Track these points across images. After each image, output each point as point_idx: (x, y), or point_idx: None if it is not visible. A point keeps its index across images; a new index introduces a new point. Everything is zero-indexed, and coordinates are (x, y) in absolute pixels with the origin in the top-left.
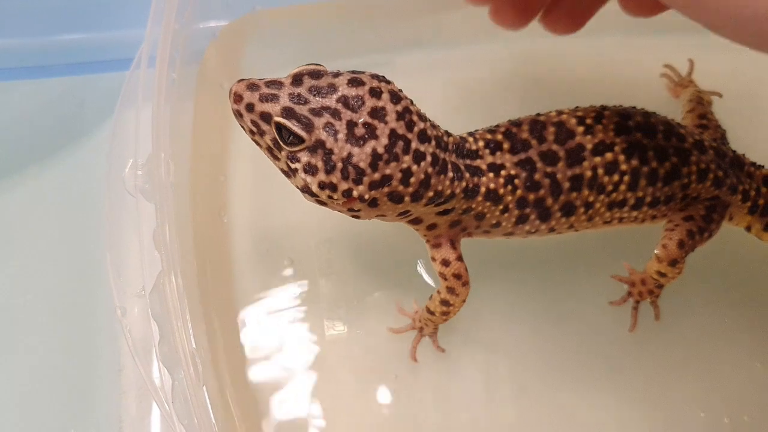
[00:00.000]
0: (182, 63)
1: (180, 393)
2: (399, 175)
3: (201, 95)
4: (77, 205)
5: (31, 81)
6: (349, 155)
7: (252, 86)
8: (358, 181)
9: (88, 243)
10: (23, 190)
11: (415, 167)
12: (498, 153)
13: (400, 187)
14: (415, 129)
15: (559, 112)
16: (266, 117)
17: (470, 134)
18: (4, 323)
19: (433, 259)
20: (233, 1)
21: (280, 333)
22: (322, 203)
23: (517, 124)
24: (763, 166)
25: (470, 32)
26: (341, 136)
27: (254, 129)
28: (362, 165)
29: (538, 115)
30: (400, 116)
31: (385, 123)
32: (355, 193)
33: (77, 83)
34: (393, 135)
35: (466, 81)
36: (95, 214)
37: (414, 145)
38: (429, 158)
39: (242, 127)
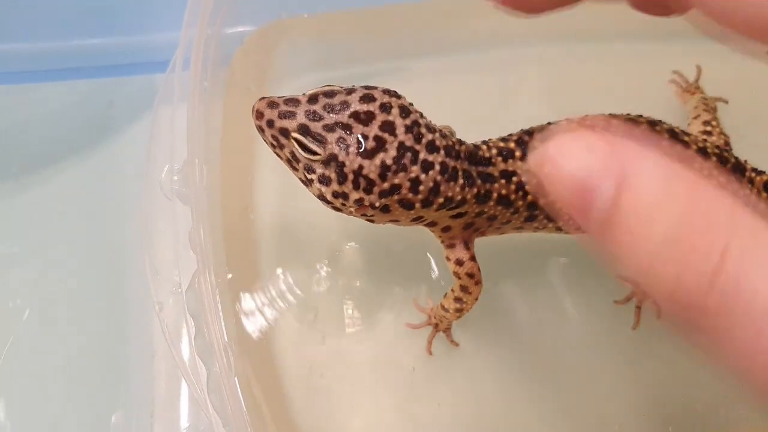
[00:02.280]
0: (213, 66)
1: (214, 383)
2: (408, 184)
3: (229, 98)
4: (106, 200)
5: (62, 82)
6: (360, 167)
7: (272, 104)
8: (368, 191)
9: (115, 238)
10: (54, 186)
11: (423, 176)
12: (510, 160)
13: (410, 195)
14: (424, 140)
15: (569, 121)
16: (284, 132)
17: (484, 142)
18: (43, 313)
19: (448, 258)
20: (260, 9)
21: (303, 326)
22: (337, 209)
23: (529, 132)
24: (764, 172)
25: (484, 39)
26: (352, 149)
27: (274, 143)
28: (372, 176)
29: (549, 123)
30: (408, 129)
31: (395, 136)
32: (366, 202)
33: (106, 85)
34: (401, 147)
35: (480, 86)
36: (122, 210)
37: (422, 155)
38: (438, 167)
39: (264, 140)
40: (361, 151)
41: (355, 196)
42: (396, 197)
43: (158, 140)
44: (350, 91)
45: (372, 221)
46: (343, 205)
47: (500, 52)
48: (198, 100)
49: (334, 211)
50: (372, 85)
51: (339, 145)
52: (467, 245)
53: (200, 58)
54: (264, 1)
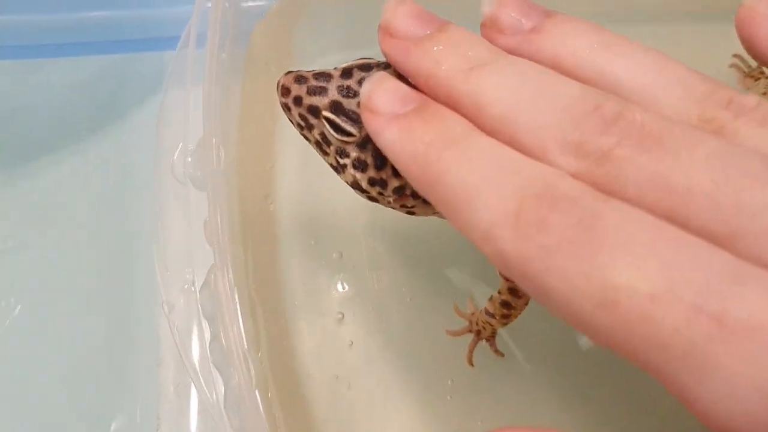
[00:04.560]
0: (231, 43)
1: (232, 397)
2: None
3: (248, 78)
4: (114, 187)
5: (67, 59)
6: None
7: (300, 78)
8: None
9: (120, 231)
10: (59, 171)
11: None
12: None
13: None
14: None
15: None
16: (314, 110)
17: None
18: (38, 314)
19: None
20: None
21: (327, 331)
22: (373, 199)
23: None
24: None
25: None
26: None
27: (302, 123)
28: None
29: None
30: None
31: None
32: (407, 190)
33: (116, 62)
34: None
35: None
36: (129, 200)
37: None
38: None
39: (290, 120)
40: None
41: (394, 183)
42: None
43: (169, 120)
44: (387, 66)
45: (413, 213)
46: (381, 194)
47: None
48: (215, 77)
49: (368, 202)
50: None
51: None
52: None
53: (217, 33)
54: None
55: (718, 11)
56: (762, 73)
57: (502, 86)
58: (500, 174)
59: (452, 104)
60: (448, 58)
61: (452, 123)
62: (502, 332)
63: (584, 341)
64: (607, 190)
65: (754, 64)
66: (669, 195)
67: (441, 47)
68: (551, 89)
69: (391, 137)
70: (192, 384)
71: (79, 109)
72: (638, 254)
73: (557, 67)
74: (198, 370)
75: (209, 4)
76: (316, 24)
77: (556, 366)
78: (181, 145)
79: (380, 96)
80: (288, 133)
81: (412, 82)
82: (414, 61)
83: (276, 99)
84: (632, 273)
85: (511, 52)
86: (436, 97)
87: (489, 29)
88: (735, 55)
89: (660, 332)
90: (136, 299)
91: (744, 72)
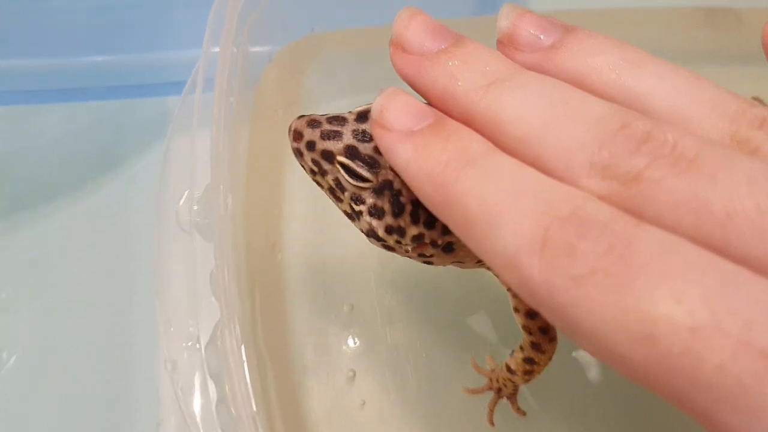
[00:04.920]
0: (239, 88)
1: None
2: None
3: (256, 123)
4: (114, 238)
5: (64, 104)
6: None
7: (313, 123)
8: (429, 225)
9: (122, 283)
10: (54, 222)
11: None
12: None
13: None
14: None
15: None
16: (328, 156)
17: None
18: (32, 368)
19: (516, 309)
20: (291, 23)
21: (337, 389)
22: (389, 248)
23: None
24: None
25: None
26: None
27: (315, 169)
28: None
29: None
30: None
31: None
32: (426, 239)
33: (114, 108)
34: None
35: None
36: (131, 250)
37: None
38: None
39: (302, 166)
40: None
41: (413, 231)
42: None
43: (173, 166)
44: None
45: (430, 263)
46: (398, 242)
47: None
48: (223, 122)
49: (374, 250)
50: None
51: (393, 170)
52: None
53: (225, 77)
54: (296, 15)
55: (734, 54)
56: None
57: (522, 104)
58: (524, 196)
59: (468, 122)
60: (464, 74)
61: (470, 141)
62: (524, 389)
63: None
64: (639, 214)
65: None
66: (707, 220)
67: (457, 62)
68: (575, 107)
69: (404, 155)
70: None
71: (78, 155)
72: (677, 284)
73: (579, 85)
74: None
75: (217, 49)
76: (324, 68)
77: (581, 423)
78: (187, 192)
79: (393, 111)
80: (296, 180)
81: (426, 100)
82: (428, 76)
83: (284, 144)
84: (671, 304)
85: (529, 69)
86: (450, 115)
87: (506, 46)
88: (754, 98)
89: (703, 369)
90: (137, 356)
91: None
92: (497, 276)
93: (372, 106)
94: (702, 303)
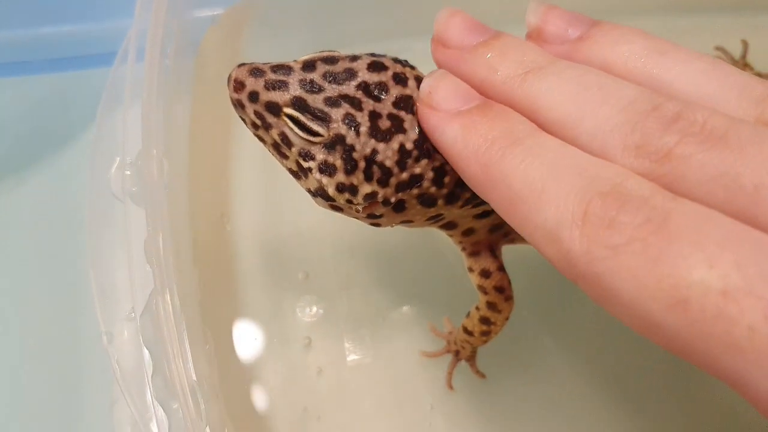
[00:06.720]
0: (177, 54)
1: None
2: (431, 174)
3: (199, 88)
4: (60, 217)
5: (8, 79)
6: (374, 152)
7: (256, 71)
8: (383, 182)
9: (72, 259)
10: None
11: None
12: None
13: (433, 188)
14: None
15: None
16: (273, 108)
17: None
18: None
19: (471, 269)
20: None
21: (293, 358)
22: (337, 209)
23: None
24: None
25: (494, 16)
26: (364, 129)
27: (258, 122)
28: (389, 163)
29: None
30: None
31: (413, 114)
32: (379, 197)
33: (60, 81)
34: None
35: None
36: (80, 226)
37: None
38: None
39: (243, 119)
40: (374, 131)
41: (366, 189)
42: (416, 191)
43: (107, 136)
44: (354, 58)
45: (377, 224)
46: (349, 201)
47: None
48: (157, 88)
49: (328, 216)
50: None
51: (347, 124)
52: (494, 252)
53: (158, 44)
54: None
55: (698, 5)
56: (746, 65)
57: (558, 89)
58: (566, 173)
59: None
60: (502, 63)
61: (516, 121)
62: (482, 352)
63: (569, 359)
64: (672, 189)
65: (737, 56)
66: (736, 192)
67: (495, 53)
68: (609, 92)
69: (452, 134)
70: (151, 422)
71: (21, 131)
72: (711, 251)
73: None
74: (149, 406)
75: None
76: (272, 29)
77: (540, 385)
78: (118, 158)
79: (441, 91)
80: (246, 147)
81: None
82: (468, 67)
83: (231, 110)
84: (705, 270)
85: None
86: None
87: (535, 40)
88: (717, 48)
89: (734, 333)
90: (85, 332)
91: None
92: (451, 237)
93: (420, 87)
94: (734, 268)
